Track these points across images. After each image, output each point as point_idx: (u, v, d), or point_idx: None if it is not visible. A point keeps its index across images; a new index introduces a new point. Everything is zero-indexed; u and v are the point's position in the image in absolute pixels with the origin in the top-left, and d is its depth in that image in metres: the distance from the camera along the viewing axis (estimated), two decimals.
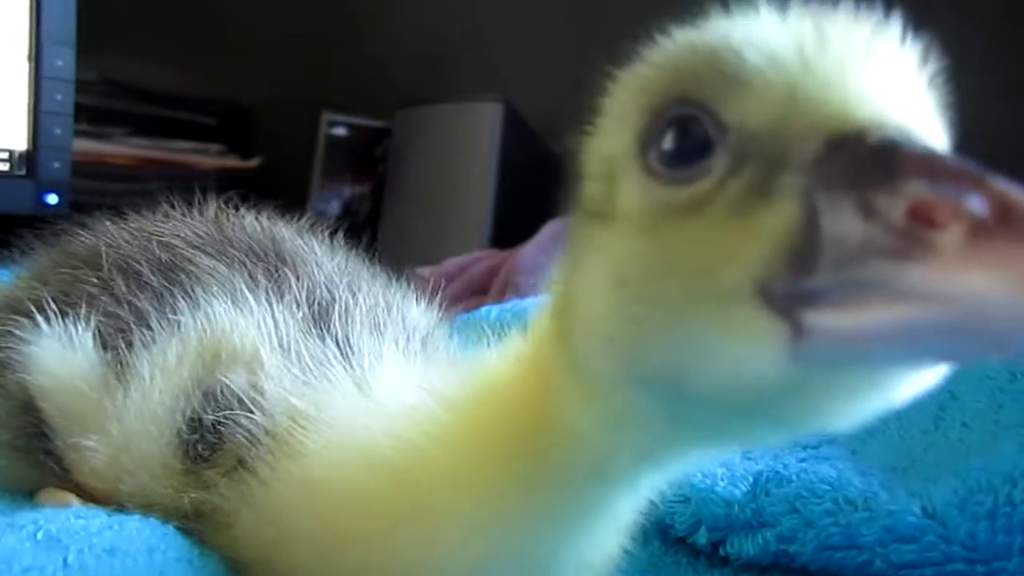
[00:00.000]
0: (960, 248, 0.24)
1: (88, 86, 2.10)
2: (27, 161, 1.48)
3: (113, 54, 2.23)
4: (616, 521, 0.46)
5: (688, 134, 0.33)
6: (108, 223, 0.69)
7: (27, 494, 0.62)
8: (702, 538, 0.64)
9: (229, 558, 0.52)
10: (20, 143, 1.46)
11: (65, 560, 0.46)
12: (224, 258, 0.63)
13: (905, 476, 0.59)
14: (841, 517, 0.56)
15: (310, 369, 0.55)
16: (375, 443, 0.47)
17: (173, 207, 0.73)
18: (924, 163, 0.27)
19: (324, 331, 0.58)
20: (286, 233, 0.68)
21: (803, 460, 0.65)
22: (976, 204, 0.25)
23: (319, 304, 0.60)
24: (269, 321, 0.58)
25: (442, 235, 1.97)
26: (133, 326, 0.58)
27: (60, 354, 0.59)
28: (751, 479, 0.63)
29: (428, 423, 0.45)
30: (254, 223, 0.68)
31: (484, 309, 1.12)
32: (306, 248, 0.67)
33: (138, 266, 0.62)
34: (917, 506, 0.53)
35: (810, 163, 0.29)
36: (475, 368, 0.48)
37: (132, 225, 0.69)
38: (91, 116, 2.12)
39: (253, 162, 2.43)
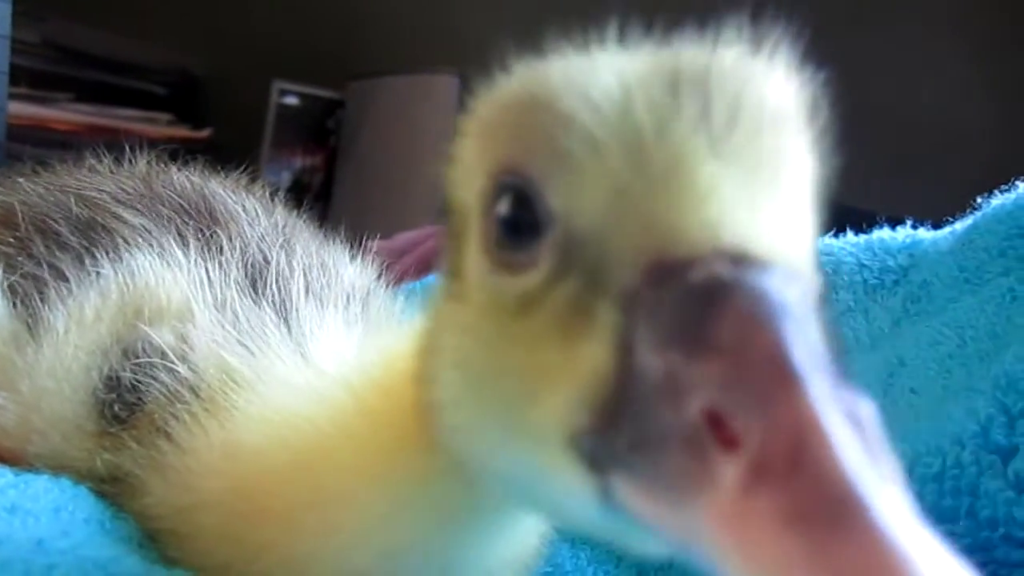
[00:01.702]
0: (735, 493, 0.21)
1: (30, 47, 2.02)
2: None
3: (59, 17, 2.16)
4: (522, 521, 0.42)
5: (522, 207, 0.29)
6: (23, 179, 0.65)
7: None
8: None
9: (142, 526, 0.49)
10: None
11: None
12: (152, 215, 0.59)
13: None
14: None
15: (247, 332, 0.52)
16: (295, 421, 0.44)
17: (100, 162, 0.69)
18: (739, 338, 0.22)
19: (260, 295, 0.55)
20: (219, 190, 0.65)
21: None
22: (766, 430, 0.21)
23: (253, 266, 0.57)
24: (201, 278, 0.55)
25: (395, 209, 1.94)
26: (51, 284, 0.55)
27: None
28: None
29: (333, 408, 0.42)
30: (185, 180, 0.65)
31: (433, 277, 1.09)
32: (240, 206, 0.63)
33: (56, 225, 0.58)
34: None
35: (628, 294, 0.25)
36: (379, 352, 0.44)
37: (50, 180, 0.65)
38: (32, 79, 2.05)
39: (203, 132, 2.37)
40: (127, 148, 0.70)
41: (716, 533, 0.21)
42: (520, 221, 0.29)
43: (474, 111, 0.34)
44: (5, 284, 0.56)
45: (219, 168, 0.71)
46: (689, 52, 0.29)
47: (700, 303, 0.23)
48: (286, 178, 2.10)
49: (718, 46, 0.29)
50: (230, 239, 0.58)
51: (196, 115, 2.42)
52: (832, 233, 0.82)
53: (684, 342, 0.23)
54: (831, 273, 0.78)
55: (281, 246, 0.59)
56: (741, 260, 0.24)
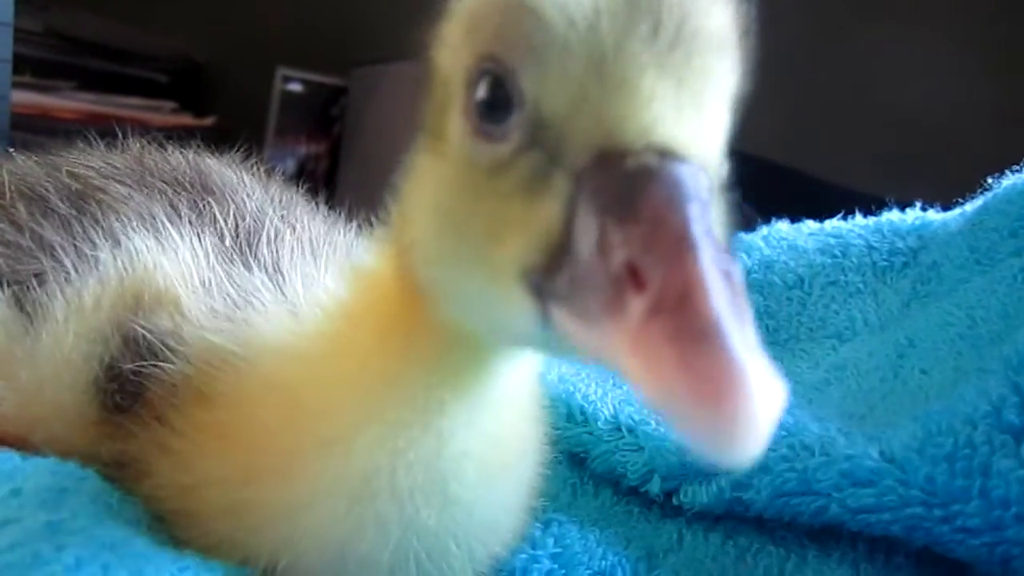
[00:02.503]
0: (638, 320, 0.27)
1: (33, 36, 2.02)
2: None
3: (62, 5, 2.15)
4: (506, 409, 0.45)
5: (499, 88, 0.34)
6: (14, 154, 0.65)
7: None
8: (655, 487, 0.62)
9: (150, 508, 0.49)
10: None
11: None
12: (142, 188, 0.58)
13: (863, 423, 0.57)
14: (797, 462, 0.54)
15: (238, 303, 0.51)
16: (281, 369, 0.45)
17: (91, 145, 0.69)
18: (656, 215, 0.29)
19: (253, 259, 0.55)
20: (213, 165, 0.64)
21: None
22: (666, 279, 0.27)
23: (248, 234, 0.56)
24: (190, 256, 0.54)
25: None
26: (40, 257, 0.54)
27: None
28: None
29: (310, 338, 0.46)
30: (178, 156, 0.64)
31: None
32: (235, 178, 0.63)
33: (43, 191, 0.57)
34: (875, 450, 0.52)
35: (580, 171, 0.31)
36: (356, 273, 0.47)
37: (41, 157, 0.64)
38: (36, 68, 2.04)
39: (207, 120, 2.36)
40: (128, 135, 0.69)
41: (622, 346, 0.27)
42: (496, 101, 0.34)
43: (448, 15, 0.39)
44: None
45: (222, 155, 0.71)
46: None
47: (632, 184, 0.30)
48: (290, 165, 2.08)
49: None
50: (224, 209, 0.57)
51: (200, 103, 2.41)
52: (841, 215, 0.82)
53: (616, 211, 0.29)
54: (840, 255, 0.77)
55: (278, 214, 0.59)
56: (666, 154, 0.30)
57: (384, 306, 0.42)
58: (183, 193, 0.58)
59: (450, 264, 0.37)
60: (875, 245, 0.76)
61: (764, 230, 0.84)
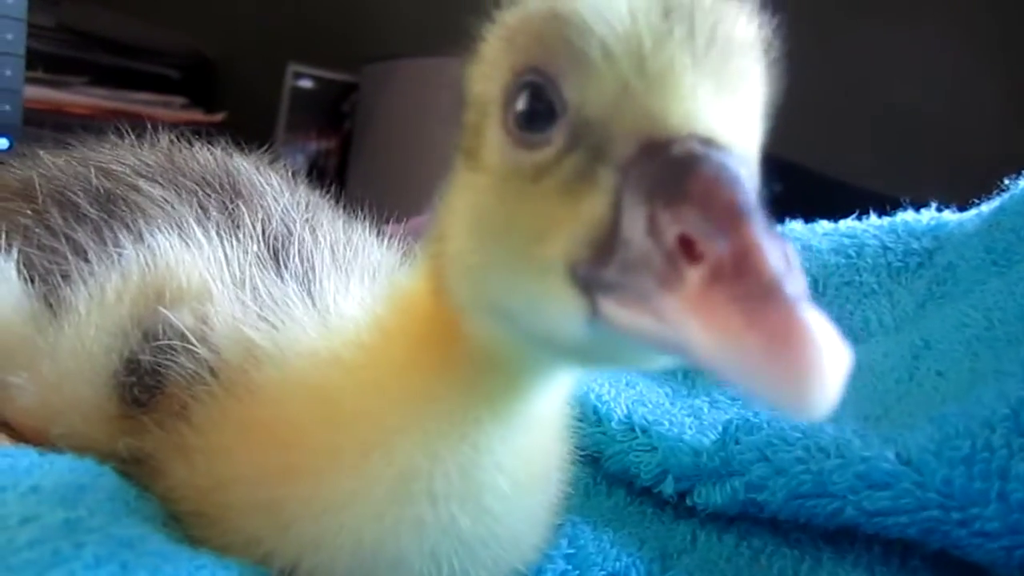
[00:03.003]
0: (698, 288, 0.28)
1: (45, 32, 2.02)
2: None
3: (72, 1, 2.15)
4: (537, 428, 0.45)
5: (539, 99, 0.35)
6: (43, 153, 0.65)
7: None
8: (668, 488, 0.62)
9: (166, 506, 0.49)
10: None
11: None
12: (173, 188, 0.59)
13: (878, 425, 0.57)
14: (812, 464, 0.54)
15: (268, 306, 0.51)
16: (313, 373, 0.45)
17: (121, 139, 0.69)
18: (707, 190, 0.29)
19: (283, 267, 0.55)
20: (243, 165, 0.64)
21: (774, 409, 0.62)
22: (723, 248, 0.28)
23: (276, 239, 0.57)
24: (220, 255, 0.54)
25: (410, 193, 1.93)
26: (71, 259, 0.54)
27: None
28: (720, 427, 0.61)
29: (344, 346, 0.46)
30: (208, 154, 0.65)
31: None
32: (263, 180, 0.63)
33: (75, 197, 0.58)
34: (891, 452, 0.52)
35: (625, 163, 0.32)
36: (393, 289, 0.48)
37: (71, 154, 0.65)
38: (47, 63, 2.05)
39: (217, 116, 2.36)
40: (148, 128, 0.70)
41: (684, 316, 0.28)
42: (537, 111, 0.35)
43: (500, 19, 0.40)
44: (23, 261, 0.55)
45: (247, 154, 0.71)
46: None
47: (679, 168, 0.31)
48: (300, 162, 2.09)
49: None
50: (253, 212, 0.58)
51: (210, 99, 2.42)
52: (855, 215, 0.81)
53: (665, 194, 0.30)
54: (854, 256, 0.77)
55: (305, 220, 0.59)
56: (709, 143, 0.31)
57: (420, 325, 0.43)
58: (212, 195, 0.59)
59: (492, 271, 0.37)
60: (890, 245, 0.76)
61: (777, 229, 0.84)
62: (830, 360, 0.25)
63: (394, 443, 0.42)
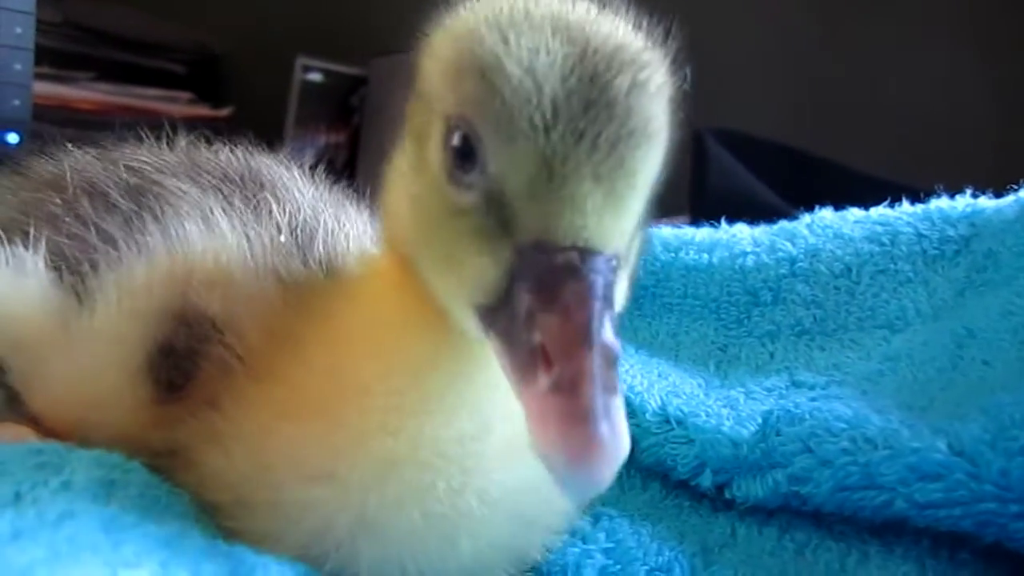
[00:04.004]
0: (542, 393, 0.35)
1: (51, 27, 2.01)
2: None
3: None
4: None
5: (468, 144, 0.39)
6: (73, 149, 0.65)
7: None
8: (706, 481, 0.60)
9: (198, 499, 0.48)
10: None
11: (17, 494, 0.41)
12: (197, 182, 0.58)
13: (924, 415, 0.56)
14: (859, 456, 0.53)
15: (292, 291, 0.51)
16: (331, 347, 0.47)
17: (134, 138, 0.68)
18: (569, 307, 0.36)
19: (308, 255, 0.55)
20: (264, 161, 0.64)
21: (814, 399, 0.61)
22: (564, 368, 0.35)
23: (303, 229, 0.57)
24: (248, 242, 0.54)
25: None
26: (100, 247, 0.54)
27: (7, 280, 0.54)
28: (760, 419, 0.60)
29: (353, 303, 0.49)
30: (228, 152, 0.64)
31: None
32: (287, 175, 0.63)
33: (105, 187, 0.58)
34: (943, 443, 0.50)
35: (521, 249, 0.38)
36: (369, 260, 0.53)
37: (99, 151, 0.64)
38: (54, 59, 2.03)
39: (224, 111, 2.35)
40: (159, 126, 0.69)
41: (528, 408, 0.36)
42: (467, 153, 0.39)
43: (433, 42, 0.44)
44: (51, 251, 0.55)
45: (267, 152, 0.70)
46: (603, 65, 0.39)
47: (557, 276, 0.37)
48: (310, 156, 2.08)
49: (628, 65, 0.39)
50: (279, 203, 0.58)
51: (217, 94, 2.40)
52: (887, 203, 0.80)
53: (541, 295, 0.37)
54: (888, 243, 0.76)
55: (328, 210, 0.59)
56: (587, 252, 0.37)
57: (393, 286, 0.47)
58: (236, 188, 0.59)
59: (422, 250, 0.43)
60: (925, 233, 0.74)
61: (807, 218, 0.82)
62: (609, 468, 0.34)
63: (404, 410, 0.45)
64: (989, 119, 1.65)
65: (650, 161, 0.39)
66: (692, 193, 1.56)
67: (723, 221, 0.86)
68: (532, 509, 0.49)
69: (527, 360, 0.36)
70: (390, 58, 2.01)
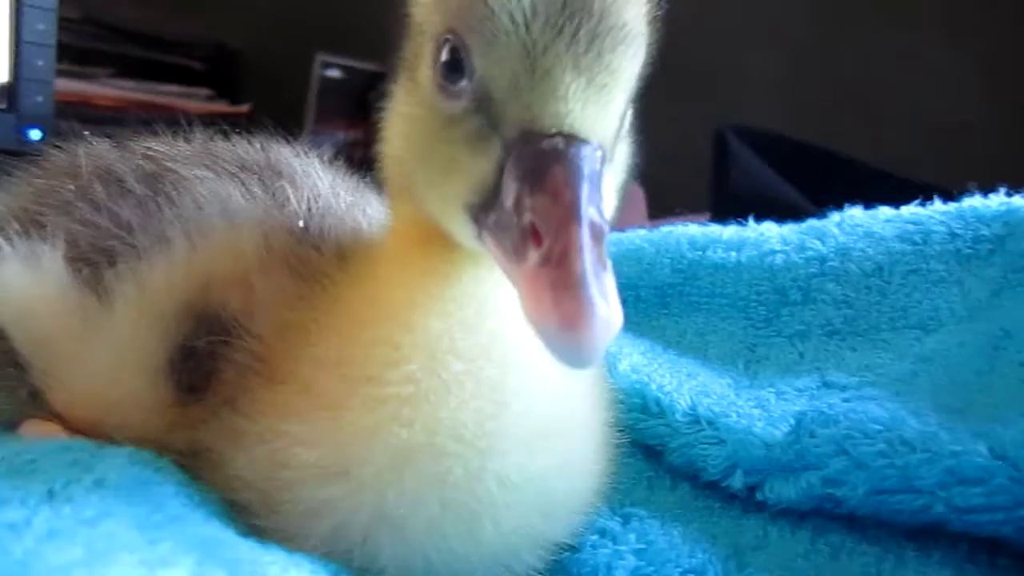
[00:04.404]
0: (532, 268, 0.36)
1: (71, 24, 2.01)
2: (8, 94, 1.40)
3: None
4: None
5: (457, 57, 0.42)
6: (88, 139, 0.64)
7: (3, 426, 0.56)
8: (738, 482, 0.60)
9: (227, 497, 0.48)
10: (1, 75, 1.39)
11: (51, 491, 0.41)
12: (214, 169, 0.58)
13: (962, 418, 0.55)
14: (896, 459, 0.52)
15: (308, 283, 0.50)
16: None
17: (153, 133, 0.68)
18: (556, 191, 0.37)
19: (324, 244, 0.54)
20: (282, 150, 0.64)
21: (847, 400, 0.60)
22: (554, 242, 0.36)
23: (319, 216, 0.56)
24: (266, 234, 0.53)
25: None
26: (115, 239, 0.53)
27: (26, 276, 0.53)
28: (792, 420, 0.59)
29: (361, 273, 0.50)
30: (246, 143, 0.64)
31: None
32: (305, 163, 0.62)
33: (120, 173, 0.57)
34: (983, 447, 0.49)
35: (509, 142, 0.39)
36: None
37: (115, 141, 0.64)
38: (73, 55, 2.04)
39: (242, 107, 2.36)
40: (177, 122, 0.69)
41: (520, 283, 0.36)
42: (455, 64, 0.42)
43: None
44: (67, 241, 0.54)
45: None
46: None
47: (543, 161, 0.38)
48: (328, 152, 2.07)
49: None
50: (297, 190, 0.57)
51: (235, 90, 2.41)
52: (919, 202, 0.79)
53: (530, 183, 0.38)
54: (920, 242, 0.75)
55: (347, 197, 0.59)
56: (571, 138, 0.39)
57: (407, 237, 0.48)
58: (255, 177, 0.57)
59: (416, 175, 0.45)
60: (958, 232, 0.73)
61: (836, 216, 0.81)
62: (601, 337, 0.34)
63: (418, 397, 0.44)
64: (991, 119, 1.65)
65: (628, 60, 0.41)
66: (714, 191, 1.56)
67: (750, 219, 0.85)
68: (554, 493, 0.48)
69: (518, 242, 0.37)
70: None
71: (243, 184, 0.57)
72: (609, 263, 0.36)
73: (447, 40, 0.42)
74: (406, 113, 0.46)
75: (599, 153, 0.40)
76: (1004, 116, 1.63)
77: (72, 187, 0.57)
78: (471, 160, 0.41)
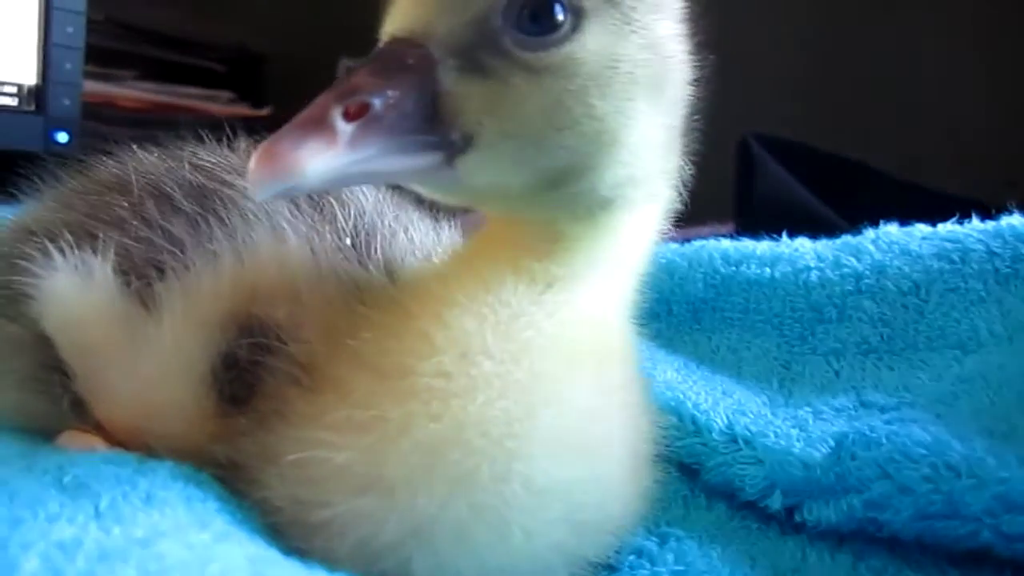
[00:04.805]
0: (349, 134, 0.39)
1: (95, 25, 2.03)
2: (36, 96, 1.41)
3: None
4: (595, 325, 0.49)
5: None
6: (135, 149, 0.65)
7: (44, 435, 0.56)
8: (776, 503, 0.59)
9: (265, 516, 0.47)
10: (29, 77, 1.39)
11: (97, 508, 0.41)
12: None
13: (1007, 443, 0.54)
14: (942, 484, 0.51)
15: (355, 298, 0.50)
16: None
17: (200, 140, 0.68)
18: (377, 80, 0.41)
19: (367, 259, 0.54)
20: None
21: (888, 422, 0.60)
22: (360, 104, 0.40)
23: (366, 233, 0.56)
24: (312, 248, 0.53)
25: None
26: (167, 250, 0.53)
27: (75, 286, 0.54)
28: (832, 441, 0.58)
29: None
30: None
31: None
32: None
33: (170, 190, 0.57)
34: None
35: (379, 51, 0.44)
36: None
37: (161, 151, 0.64)
38: (97, 57, 2.05)
39: (264, 110, 2.36)
40: (204, 126, 0.69)
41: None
42: None
43: None
44: (119, 255, 0.54)
45: None
46: None
47: (383, 56, 0.43)
48: None
49: None
50: (344, 208, 0.57)
51: (257, 93, 2.42)
52: (956, 219, 0.78)
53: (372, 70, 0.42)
54: (958, 261, 0.74)
55: (390, 214, 0.59)
56: (396, 39, 0.43)
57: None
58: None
59: None
60: (996, 251, 0.72)
61: (871, 233, 0.81)
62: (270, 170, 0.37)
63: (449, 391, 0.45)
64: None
65: None
66: (738, 200, 1.55)
67: (783, 234, 0.85)
68: (584, 508, 0.47)
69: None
70: None
71: (291, 199, 0.57)
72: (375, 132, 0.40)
73: None
74: None
75: (426, 47, 0.43)
76: None
77: (125, 204, 0.57)
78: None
